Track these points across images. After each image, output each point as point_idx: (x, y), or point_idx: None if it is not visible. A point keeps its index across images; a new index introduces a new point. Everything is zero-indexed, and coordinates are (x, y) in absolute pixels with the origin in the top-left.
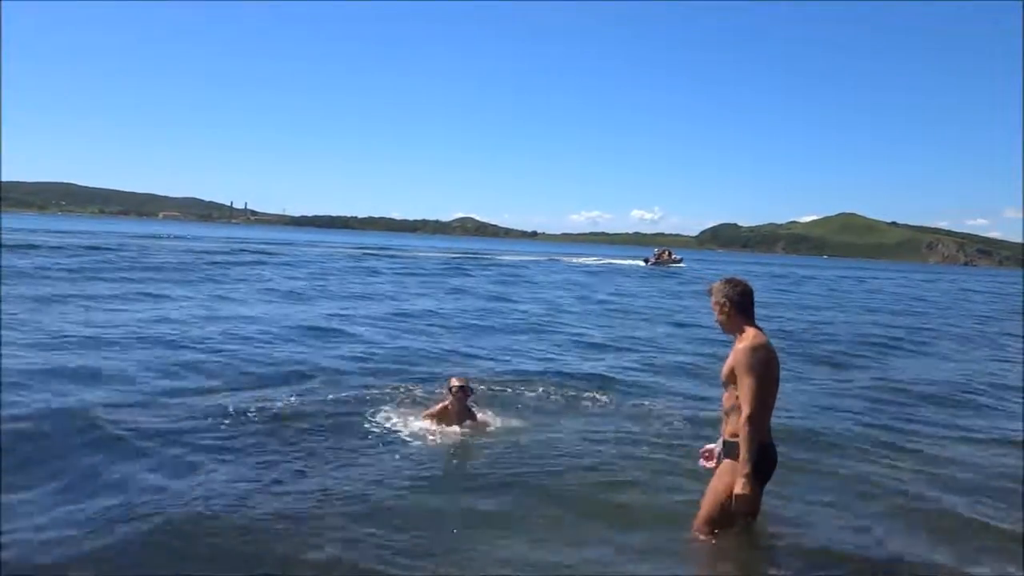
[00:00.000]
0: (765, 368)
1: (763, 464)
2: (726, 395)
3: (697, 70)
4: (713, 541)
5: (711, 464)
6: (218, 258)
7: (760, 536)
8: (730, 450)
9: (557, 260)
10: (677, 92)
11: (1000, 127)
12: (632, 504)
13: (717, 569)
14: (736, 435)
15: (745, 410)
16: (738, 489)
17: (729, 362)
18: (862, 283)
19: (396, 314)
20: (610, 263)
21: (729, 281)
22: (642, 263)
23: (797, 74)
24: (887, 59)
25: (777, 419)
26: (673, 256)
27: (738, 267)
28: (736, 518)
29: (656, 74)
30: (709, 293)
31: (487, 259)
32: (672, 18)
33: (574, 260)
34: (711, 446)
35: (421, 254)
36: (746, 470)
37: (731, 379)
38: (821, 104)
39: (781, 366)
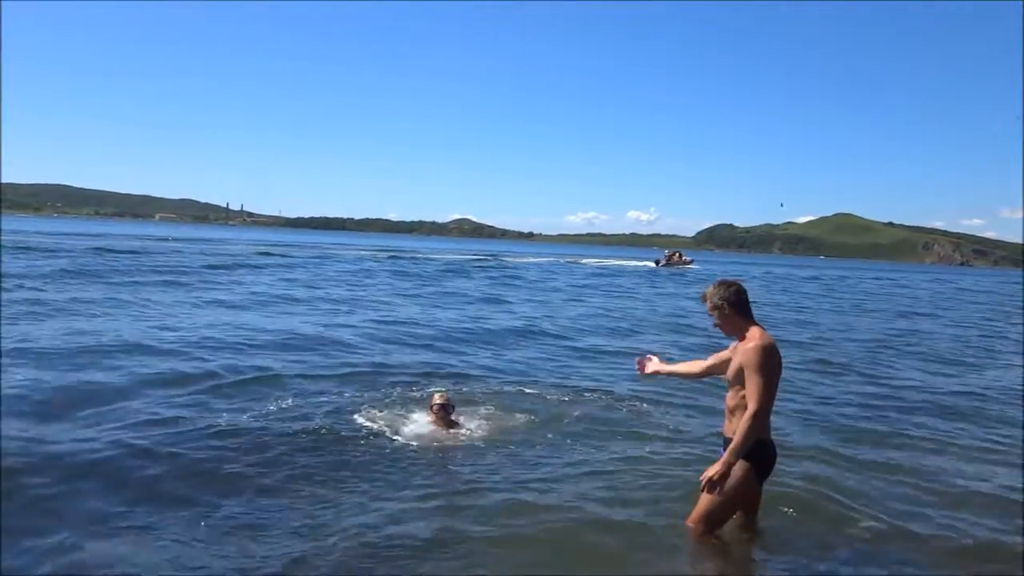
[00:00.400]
0: (774, 367)
1: (763, 460)
2: (730, 394)
3: (693, 71)
4: (712, 538)
5: (646, 369)
6: (222, 260)
7: (759, 533)
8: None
9: (574, 261)
10: (673, 93)
11: (997, 127)
12: (633, 508)
13: (715, 567)
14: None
15: (752, 406)
16: (711, 469)
17: (737, 361)
18: (885, 282)
19: (394, 321)
20: (622, 264)
21: (722, 283)
22: (653, 264)
23: (793, 75)
24: (883, 60)
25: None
26: (684, 258)
27: (742, 267)
28: (733, 512)
29: (652, 75)
30: (703, 299)
31: (501, 261)
32: (667, 19)
33: (585, 261)
34: (654, 359)
35: (433, 256)
36: (731, 460)
37: (738, 378)
38: (817, 105)
39: (787, 369)
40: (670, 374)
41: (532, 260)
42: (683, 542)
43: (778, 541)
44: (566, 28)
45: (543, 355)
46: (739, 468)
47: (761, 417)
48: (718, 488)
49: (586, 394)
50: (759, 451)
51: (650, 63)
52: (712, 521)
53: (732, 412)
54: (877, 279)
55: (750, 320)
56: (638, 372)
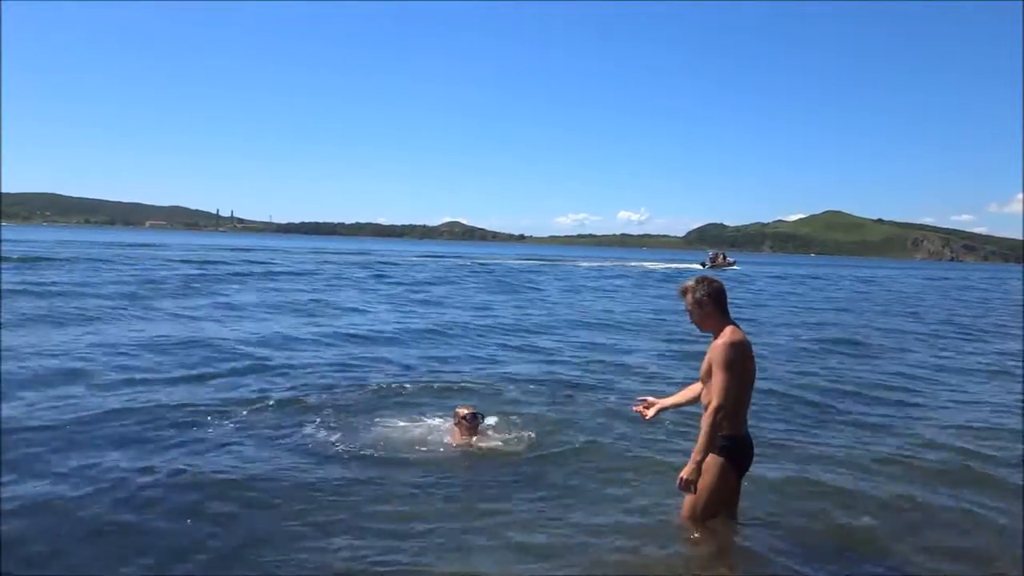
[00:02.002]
0: (741, 364)
1: (740, 456)
2: (704, 391)
3: (682, 72)
4: (701, 535)
5: (648, 413)
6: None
7: (739, 528)
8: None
9: (626, 265)
10: (662, 93)
11: (985, 124)
12: (632, 511)
13: (699, 563)
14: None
15: (714, 402)
16: (684, 472)
17: (708, 357)
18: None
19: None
20: (678, 267)
21: (702, 280)
22: (700, 266)
23: (781, 74)
24: (871, 58)
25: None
26: (727, 259)
27: (751, 266)
28: (718, 507)
29: (641, 76)
30: (683, 294)
31: (560, 265)
32: (656, 20)
33: (641, 264)
34: (651, 399)
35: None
36: (699, 458)
37: (708, 375)
38: (806, 103)
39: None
40: (674, 406)
41: (593, 264)
42: (679, 540)
43: (768, 535)
44: (554, 30)
45: (570, 362)
46: (712, 464)
47: (723, 412)
48: (694, 487)
49: (611, 405)
50: (733, 447)
51: (639, 64)
52: (697, 519)
53: (707, 408)
54: (890, 278)
55: (726, 318)
56: (643, 417)
